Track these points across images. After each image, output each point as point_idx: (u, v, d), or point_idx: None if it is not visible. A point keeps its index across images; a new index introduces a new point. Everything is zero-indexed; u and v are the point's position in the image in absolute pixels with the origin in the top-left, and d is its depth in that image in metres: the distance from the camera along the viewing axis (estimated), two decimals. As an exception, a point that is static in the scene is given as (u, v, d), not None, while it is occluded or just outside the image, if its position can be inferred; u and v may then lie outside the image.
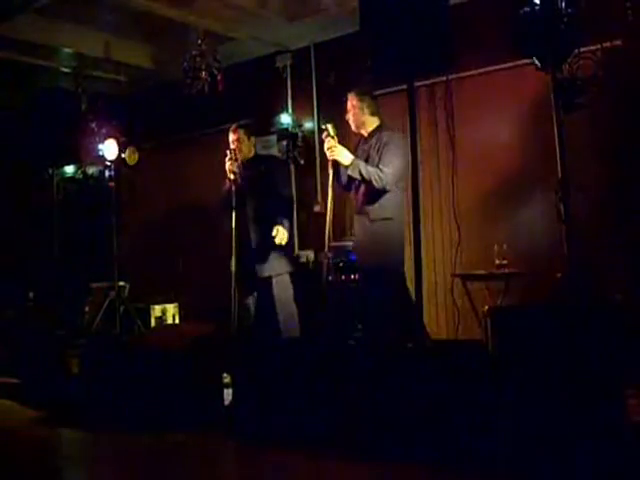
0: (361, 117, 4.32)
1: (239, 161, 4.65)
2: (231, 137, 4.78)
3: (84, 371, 4.54)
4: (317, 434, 3.35)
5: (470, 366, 2.98)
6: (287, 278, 4.73)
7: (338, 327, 4.62)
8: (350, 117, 4.36)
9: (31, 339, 5.46)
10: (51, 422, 4.23)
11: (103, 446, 3.69)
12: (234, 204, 4.57)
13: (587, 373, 2.72)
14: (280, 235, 4.53)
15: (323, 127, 4.24)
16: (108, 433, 3.79)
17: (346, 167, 4.19)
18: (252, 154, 4.87)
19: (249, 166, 4.78)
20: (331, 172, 4.22)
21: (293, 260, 4.95)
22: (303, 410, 3.50)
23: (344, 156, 4.16)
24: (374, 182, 4.09)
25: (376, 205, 4.17)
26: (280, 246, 4.58)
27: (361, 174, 4.11)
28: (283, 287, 4.70)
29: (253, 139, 4.90)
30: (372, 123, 4.33)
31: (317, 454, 3.20)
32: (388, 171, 4.08)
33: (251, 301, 4.75)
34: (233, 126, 4.82)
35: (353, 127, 4.39)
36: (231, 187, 4.61)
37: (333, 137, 4.14)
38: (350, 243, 4.83)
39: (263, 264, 4.65)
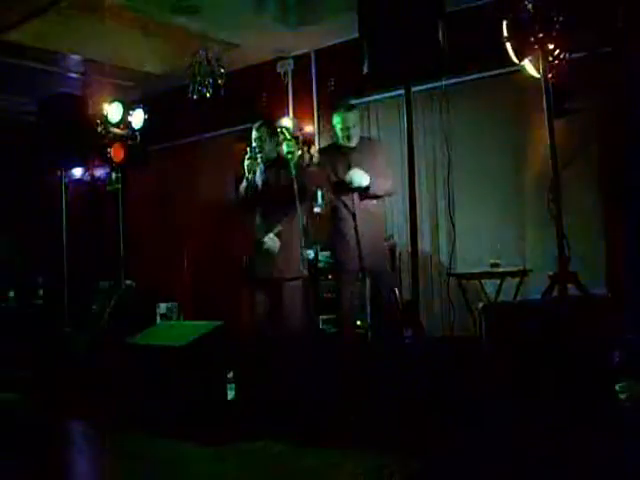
0: (358, 129, 4.46)
1: (258, 160, 4.52)
2: (254, 135, 4.61)
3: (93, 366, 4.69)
4: (318, 426, 3.41)
5: (464, 360, 3.07)
6: (298, 283, 4.53)
7: (340, 323, 4.53)
8: (355, 132, 4.40)
9: (41, 335, 5.61)
10: (61, 417, 4.29)
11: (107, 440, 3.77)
12: (251, 205, 4.48)
13: (578, 366, 2.78)
14: None
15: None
16: (112, 428, 3.88)
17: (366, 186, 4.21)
18: (275, 155, 4.66)
19: (270, 167, 4.59)
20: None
21: (303, 264, 4.64)
22: (303, 403, 3.55)
23: (362, 177, 4.20)
24: (384, 190, 4.32)
25: (377, 205, 4.39)
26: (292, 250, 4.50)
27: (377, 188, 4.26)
28: (292, 292, 4.50)
29: (276, 139, 4.74)
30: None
31: (318, 445, 3.22)
32: (390, 181, 4.36)
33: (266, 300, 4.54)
34: (257, 124, 4.64)
35: (353, 141, 4.39)
36: (248, 187, 4.49)
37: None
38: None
39: (274, 266, 4.47)
